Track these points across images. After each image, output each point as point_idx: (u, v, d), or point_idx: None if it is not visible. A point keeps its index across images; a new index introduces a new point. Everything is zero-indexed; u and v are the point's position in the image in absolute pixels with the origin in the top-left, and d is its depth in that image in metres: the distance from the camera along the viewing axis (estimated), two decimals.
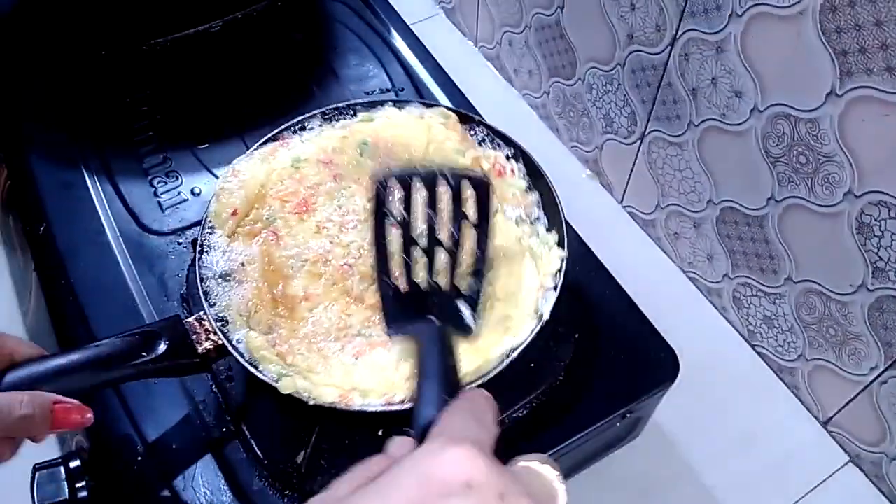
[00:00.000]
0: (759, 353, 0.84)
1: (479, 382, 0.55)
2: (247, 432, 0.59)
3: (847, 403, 0.75)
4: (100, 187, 0.73)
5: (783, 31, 0.63)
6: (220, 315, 0.58)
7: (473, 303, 0.55)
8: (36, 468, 0.57)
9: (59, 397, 0.50)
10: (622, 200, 0.95)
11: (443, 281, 0.55)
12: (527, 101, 1.05)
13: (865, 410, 0.73)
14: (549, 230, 0.64)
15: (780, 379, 0.82)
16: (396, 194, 0.54)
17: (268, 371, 0.55)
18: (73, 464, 0.57)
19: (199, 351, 0.56)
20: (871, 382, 0.71)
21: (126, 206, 0.72)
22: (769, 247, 0.75)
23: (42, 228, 0.71)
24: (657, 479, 0.76)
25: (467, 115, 0.70)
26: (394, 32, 0.88)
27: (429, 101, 0.71)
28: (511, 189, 0.66)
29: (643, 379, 0.63)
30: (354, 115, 0.71)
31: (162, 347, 0.54)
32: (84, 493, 0.56)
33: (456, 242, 0.55)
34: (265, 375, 0.55)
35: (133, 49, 0.82)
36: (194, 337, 0.57)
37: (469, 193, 0.55)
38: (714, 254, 0.83)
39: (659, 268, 0.91)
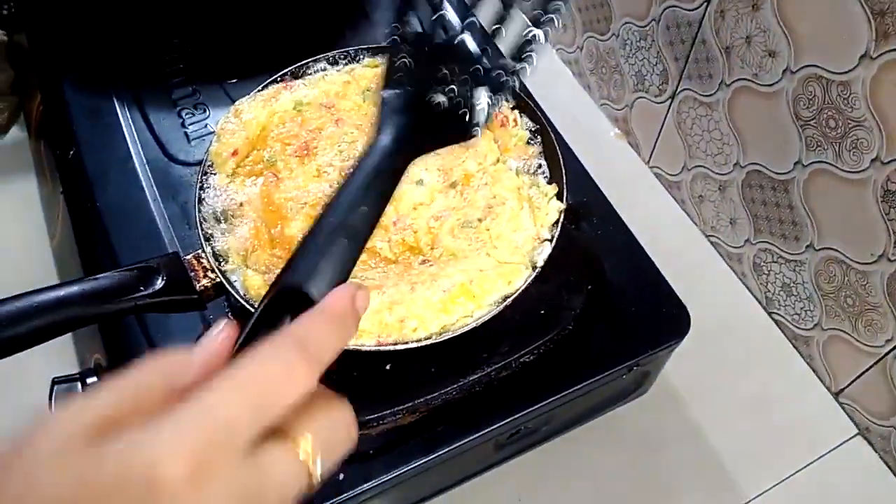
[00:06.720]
0: (775, 321, 0.83)
1: (472, 326, 0.55)
2: None
3: (860, 375, 0.75)
4: (129, 116, 0.74)
5: None
6: (219, 253, 0.59)
7: (497, 94, 0.44)
8: (55, 381, 0.59)
9: None
10: (649, 161, 0.94)
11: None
12: (559, 57, 1.04)
13: (878, 383, 0.73)
14: (549, 182, 0.64)
15: (795, 347, 0.82)
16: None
17: None
18: (91, 380, 0.59)
19: (197, 288, 0.57)
20: (886, 355, 0.71)
21: (154, 135, 0.73)
22: (793, 212, 0.74)
23: (72, 153, 0.72)
24: (663, 437, 0.76)
25: None
26: None
27: None
28: (513, 139, 0.66)
29: (652, 333, 0.63)
30: (360, 59, 0.71)
31: (160, 283, 0.55)
32: None
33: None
34: None
35: None
36: (192, 274, 0.57)
37: None
38: (737, 218, 0.82)
39: (681, 230, 0.91)
